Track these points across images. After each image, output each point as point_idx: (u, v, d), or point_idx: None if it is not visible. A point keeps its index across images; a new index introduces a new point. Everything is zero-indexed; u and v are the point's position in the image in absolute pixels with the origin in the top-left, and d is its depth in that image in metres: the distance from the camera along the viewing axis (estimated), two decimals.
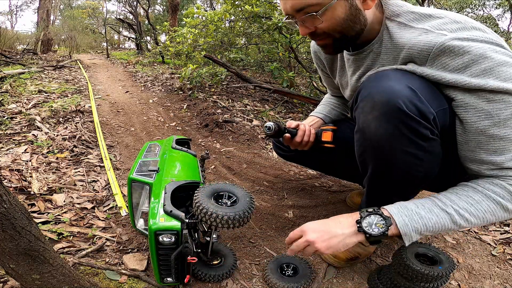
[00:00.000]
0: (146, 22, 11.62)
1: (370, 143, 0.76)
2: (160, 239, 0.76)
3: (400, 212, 0.73)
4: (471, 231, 1.30)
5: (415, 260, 0.81)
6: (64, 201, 1.28)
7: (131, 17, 13.47)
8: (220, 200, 0.82)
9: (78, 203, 1.29)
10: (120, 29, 17.62)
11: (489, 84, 0.65)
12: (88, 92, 3.55)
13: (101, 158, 1.78)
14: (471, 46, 0.66)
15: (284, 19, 0.87)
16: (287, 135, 1.09)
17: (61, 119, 2.38)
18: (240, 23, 3.77)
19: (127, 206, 1.28)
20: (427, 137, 0.71)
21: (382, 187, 0.85)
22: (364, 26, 0.81)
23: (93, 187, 1.45)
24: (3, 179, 1.38)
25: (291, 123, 1.11)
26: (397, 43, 0.79)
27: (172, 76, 5.09)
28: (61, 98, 3.12)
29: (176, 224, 0.76)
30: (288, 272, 0.96)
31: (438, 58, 0.70)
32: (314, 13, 0.75)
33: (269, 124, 1.03)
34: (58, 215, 1.18)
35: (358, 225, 0.74)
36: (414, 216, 0.72)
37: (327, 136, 1.09)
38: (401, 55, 0.78)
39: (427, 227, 0.71)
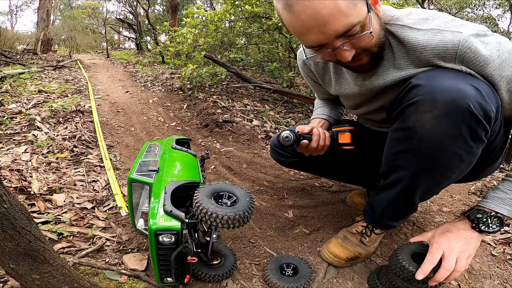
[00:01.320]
0: (146, 22, 11.63)
1: (419, 143, 0.74)
2: (160, 239, 0.76)
3: (501, 205, 0.81)
4: None
5: (411, 261, 0.82)
6: (64, 201, 1.28)
7: (131, 17, 13.47)
8: (220, 200, 0.82)
9: (78, 203, 1.29)
10: (120, 29, 17.62)
11: None
12: (88, 92, 3.55)
13: (101, 158, 1.78)
14: (486, 42, 0.71)
15: (306, 55, 0.82)
16: (305, 141, 1.00)
17: (61, 119, 2.38)
18: (240, 23, 3.77)
19: (127, 206, 1.28)
20: (479, 139, 0.71)
21: (413, 188, 0.83)
22: (386, 32, 0.81)
23: (93, 187, 1.45)
24: (3, 179, 1.38)
25: (303, 128, 1.04)
26: (414, 45, 0.77)
27: (172, 76, 5.09)
28: (61, 98, 3.12)
29: (176, 224, 0.76)
30: (288, 272, 0.96)
31: (466, 55, 0.71)
32: (368, 32, 0.71)
33: (287, 133, 0.93)
34: (58, 215, 1.18)
35: (477, 230, 0.82)
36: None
37: (345, 138, 1.02)
38: (424, 57, 0.77)
39: None
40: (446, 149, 0.72)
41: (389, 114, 0.83)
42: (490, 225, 0.80)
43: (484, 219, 0.80)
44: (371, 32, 0.71)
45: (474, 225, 0.82)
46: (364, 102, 1.01)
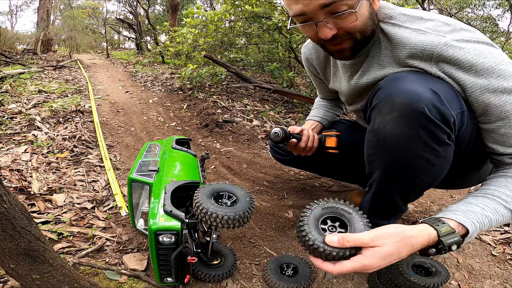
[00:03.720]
0: (146, 22, 11.62)
1: (384, 145, 0.75)
2: (160, 239, 0.76)
3: (471, 220, 0.65)
4: None
5: (408, 273, 0.83)
6: (64, 201, 1.28)
7: (131, 17, 13.48)
8: (220, 200, 0.82)
9: (78, 203, 1.29)
10: (120, 29, 17.62)
11: (492, 84, 0.68)
12: (88, 92, 3.55)
13: (101, 158, 1.78)
14: (469, 48, 0.69)
15: (290, 24, 0.81)
16: (294, 140, 1.07)
17: (61, 119, 2.38)
18: (240, 23, 3.76)
19: (127, 206, 1.28)
20: (443, 142, 0.71)
21: (388, 189, 0.84)
22: (375, 26, 0.80)
23: (93, 187, 1.45)
24: (3, 179, 1.38)
25: (294, 129, 1.09)
26: (396, 42, 0.78)
27: (172, 76, 5.09)
28: (61, 98, 3.12)
29: (176, 224, 0.76)
30: (288, 272, 0.96)
31: (442, 57, 0.71)
32: (353, 10, 0.70)
33: (277, 130, 1.01)
34: (58, 215, 1.18)
35: (433, 249, 0.62)
36: (484, 219, 0.66)
37: (331, 142, 1.07)
38: (403, 54, 0.78)
39: (490, 225, 0.67)
40: (409, 151, 0.72)
41: (365, 116, 0.84)
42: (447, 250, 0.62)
43: (450, 241, 0.61)
44: (356, 12, 0.70)
45: (433, 242, 0.61)
46: (355, 99, 1.02)
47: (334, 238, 0.59)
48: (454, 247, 0.61)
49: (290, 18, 0.81)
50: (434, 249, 0.62)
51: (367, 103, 0.82)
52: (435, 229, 0.62)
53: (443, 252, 0.62)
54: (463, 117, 0.73)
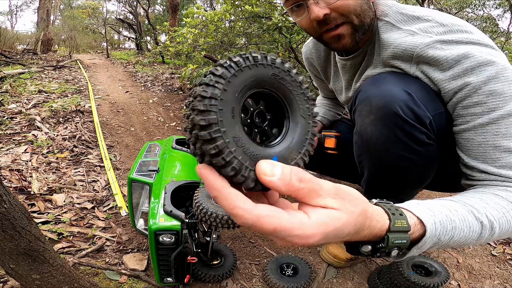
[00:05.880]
0: (146, 22, 11.62)
1: (367, 146, 0.76)
2: (160, 239, 0.76)
3: (434, 220, 0.48)
4: None
5: (408, 273, 0.83)
6: (64, 201, 1.28)
7: (131, 17, 13.48)
8: None
9: (78, 203, 1.29)
10: (120, 29, 17.62)
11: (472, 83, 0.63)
12: (88, 92, 3.55)
13: (101, 158, 1.78)
14: (453, 48, 0.65)
15: (285, 10, 0.81)
16: None
17: (61, 119, 2.38)
18: (240, 23, 3.77)
19: (127, 206, 1.28)
20: (423, 142, 0.71)
21: (378, 190, 0.84)
22: (373, 16, 0.79)
23: (93, 187, 1.45)
24: (3, 179, 1.38)
25: None
26: (383, 43, 0.78)
27: (172, 76, 5.09)
28: (61, 98, 3.12)
29: (176, 224, 0.76)
30: (288, 272, 0.96)
31: (421, 58, 0.70)
32: None
33: None
34: (58, 215, 1.18)
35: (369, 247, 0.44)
36: (447, 224, 0.49)
37: (330, 143, 1.07)
38: (386, 54, 0.78)
39: (452, 236, 0.50)
40: (390, 152, 0.72)
41: (351, 117, 0.85)
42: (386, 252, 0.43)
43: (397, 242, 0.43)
44: None
45: (377, 248, 0.43)
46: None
47: (276, 169, 0.29)
48: (394, 253, 0.43)
49: (285, 9, 0.81)
50: (369, 247, 0.43)
51: (351, 104, 0.82)
52: (390, 218, 0.42)
53: (377, 255, 0.43)
54: (441, 118, 0.71)
